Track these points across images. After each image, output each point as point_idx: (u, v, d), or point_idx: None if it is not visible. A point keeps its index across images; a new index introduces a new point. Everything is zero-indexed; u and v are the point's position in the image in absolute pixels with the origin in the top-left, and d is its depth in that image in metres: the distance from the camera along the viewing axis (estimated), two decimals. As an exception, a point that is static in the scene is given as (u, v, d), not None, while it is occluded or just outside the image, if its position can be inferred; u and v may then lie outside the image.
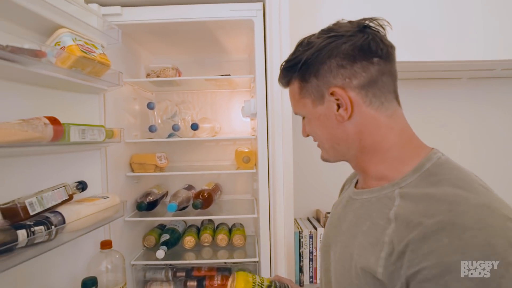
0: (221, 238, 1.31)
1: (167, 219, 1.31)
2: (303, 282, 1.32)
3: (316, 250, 1.32)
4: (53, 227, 0.72)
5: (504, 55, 1.19)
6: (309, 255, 1.32)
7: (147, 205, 1.26)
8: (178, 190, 1.34)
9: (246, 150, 1.37)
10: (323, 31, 0.54)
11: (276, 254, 1.10)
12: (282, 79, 0.61)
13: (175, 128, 1.27)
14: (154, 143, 1.47)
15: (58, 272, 0.88)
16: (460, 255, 0.37)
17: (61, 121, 0.77)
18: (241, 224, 1.48)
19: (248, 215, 1.23)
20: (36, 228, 0.67)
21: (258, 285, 0.68)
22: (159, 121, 1.35)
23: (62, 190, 0.81)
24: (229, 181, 1.59)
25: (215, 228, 1.44)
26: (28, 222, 0.67)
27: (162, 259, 1.17)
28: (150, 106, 1.30)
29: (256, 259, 1.19)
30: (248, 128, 1.57)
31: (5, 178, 0.74)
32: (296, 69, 0.56)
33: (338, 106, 0.53)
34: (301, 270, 1.33)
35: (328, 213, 1.38)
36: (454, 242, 0.38)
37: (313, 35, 0.55)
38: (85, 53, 0.84)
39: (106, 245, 0.95)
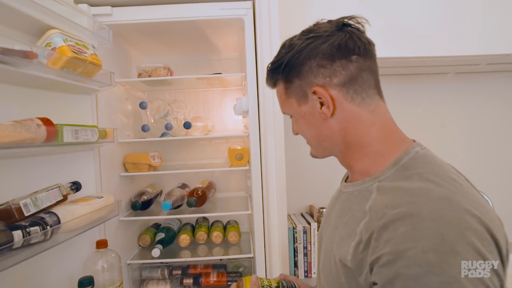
0: (216, 235, 1.33)
1: (162, 218, 1.31)
2: (298, 277, 1.34)
3: (310, 245, 1.34)
4: (48, 227, 0.72)
5: (487, 50, 1.23)
6: (303, 250, 1.34)
7: (141, 205, 1.26)
8: (172, 189, 1.35)
9: (239, 148, 1.38)
10: (303, 32, 0.56)
11: (271, 250, 1.12)
12: (268, 81, 0.63)
13: (168, 127, 1.27)
14: (147, 143, 1.47)
15: (54, 272, 0.88)
16: (413, 243, 0.39)
17: (54, 122, 0.77)
18: (235, 221, 1.49)
19: (242, 212, 1.25)
20: (31, 228, 0.67)
21: (266, 286, 0.68)
22: (152, 121, 1.35)
23: (57, 191, 0.81)
24: (223, 179, 1.60)
25: (210, 226, 1.45)
26: (23, 223, 0.68)
27: (158, 258, 1.18)
28: (142, 105, 1.30)
29: (251, 255, 1.20)
30: (240, 126, 1.58)
31: (-1, 180, 0.73)
32: (280, 71, 0.58)
33: (321, 104, 0.54)
34: (295, 265, 1.35)
35: (322, 208, 1.41)
36: (409, 232, 0.40)
37: (295, 36, 0.57)
38: (77, 53, 0.84)
39: (101, 244, 0.95)
